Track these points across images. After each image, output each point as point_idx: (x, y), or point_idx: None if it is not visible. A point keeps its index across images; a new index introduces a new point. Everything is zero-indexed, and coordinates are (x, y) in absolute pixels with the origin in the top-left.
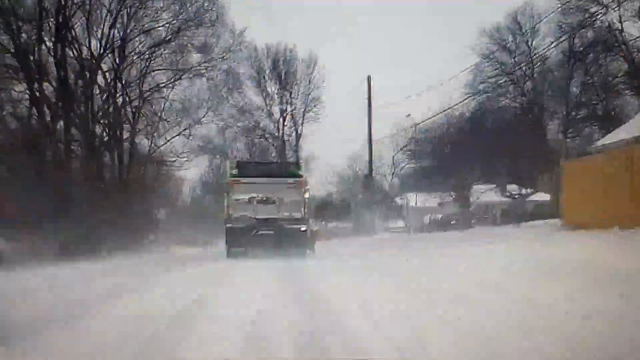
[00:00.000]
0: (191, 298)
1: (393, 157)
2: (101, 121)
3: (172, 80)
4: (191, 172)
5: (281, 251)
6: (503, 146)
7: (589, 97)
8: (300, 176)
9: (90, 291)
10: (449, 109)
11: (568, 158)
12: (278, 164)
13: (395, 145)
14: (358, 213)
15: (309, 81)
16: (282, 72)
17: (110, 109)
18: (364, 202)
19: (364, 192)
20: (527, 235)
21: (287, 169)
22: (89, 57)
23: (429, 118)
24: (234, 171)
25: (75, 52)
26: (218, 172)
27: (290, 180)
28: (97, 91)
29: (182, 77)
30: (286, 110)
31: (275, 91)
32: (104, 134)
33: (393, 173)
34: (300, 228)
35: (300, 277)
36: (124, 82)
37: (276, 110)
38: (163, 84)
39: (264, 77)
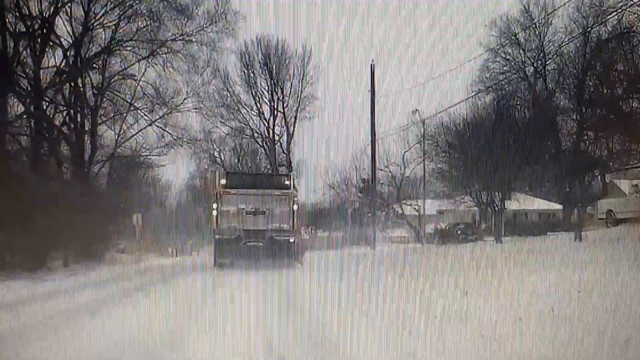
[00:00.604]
0: None
1: (402, 156)
2: (49, 101)
3: (145, 57)
4: (178, 177)
5: (269, 262)
6: (512, 149)
7: (607, 94)
8: (289, 187)
9: None
10: (453, 105)
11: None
12: (267, 175)
13: (406, 144)
14: (355, 221)
15: (303, 76)
16: (273, 66)
17: (70, 91)
18: (362, 209)
19: (362, 197)
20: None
21: (276, 180)
22: (36, 20)
23: (436, 114)
24: (223, 181)
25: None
26: (205, 178)
27: (279, 191)
28: (55, 75)
29: (157, 51)
30: (277, 108)
31: (266, 87)
32: (57, 117)
33: (403, 174)
34: (289, 239)
35: None
36: (83, 56)
37: (267, 108)
38: (134, 62)
39: (253, 72)
